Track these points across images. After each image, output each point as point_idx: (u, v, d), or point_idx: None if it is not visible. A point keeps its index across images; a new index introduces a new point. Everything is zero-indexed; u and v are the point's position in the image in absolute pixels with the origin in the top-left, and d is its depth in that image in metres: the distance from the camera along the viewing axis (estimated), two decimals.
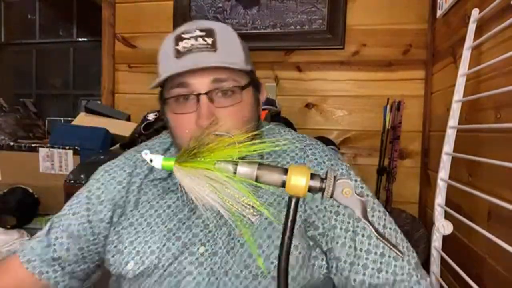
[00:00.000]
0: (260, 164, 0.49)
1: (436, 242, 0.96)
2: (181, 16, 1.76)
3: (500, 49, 0.85)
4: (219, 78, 0.64)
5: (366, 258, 0.64)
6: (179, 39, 0.65)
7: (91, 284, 0.79)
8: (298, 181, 0.47)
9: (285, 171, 0.48)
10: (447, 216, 0.96)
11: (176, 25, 1.77)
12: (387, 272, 0.63)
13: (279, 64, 1.69)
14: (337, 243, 0.66)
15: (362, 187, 0.72)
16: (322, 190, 0.47)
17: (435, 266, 0.96)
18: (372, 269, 0.64)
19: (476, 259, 0.91)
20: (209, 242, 0.66)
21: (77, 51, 2.90)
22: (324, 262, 0.67)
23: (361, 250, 0.65)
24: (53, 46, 2.95)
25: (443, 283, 0.94)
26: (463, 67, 0.94)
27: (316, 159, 0.73)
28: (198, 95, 0.63)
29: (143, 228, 0.69)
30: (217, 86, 0.64)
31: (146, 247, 0.67)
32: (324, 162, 0.72)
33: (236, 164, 0.48)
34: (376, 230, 0.49)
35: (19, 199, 1.50)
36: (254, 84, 0.71)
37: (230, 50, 0.67)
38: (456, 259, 0.90)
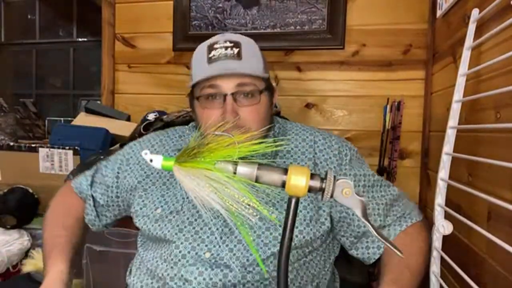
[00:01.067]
0: (260, 164, 0.49)
1: (436, 242, 0.96)
2: (181, 16, 1.76)
3: (500, 49, 0.85)
4: (242, 82, 0.79)
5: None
6: (211, 48, 0.80)
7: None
8: (298, 181, 0.47)
9: (285, 171, 0.48)
10: (447, 216, 0.96)
11: (176, 25, 1.77)
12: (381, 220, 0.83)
13: (279, 64, 1.69)
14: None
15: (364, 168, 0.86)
16: (322, 190, 0.48)
17: (435, 266, 0.96)
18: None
19: (476, 259, 0.91)
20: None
21: (77, 51, 2.90)
22: (327, 225, 0.80)
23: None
24: (53, 46, 2.95)
25: (443, 283, 0.94)
26: (463, 67, 0.93)
27: (326, 142, 0.85)
28: (225, 95, 0.78)
29: (172, 184, 0.86)
30: (240, 89, 0.79)
31: (173, 198, 0.83)
32: (332, 145, 0.85)
33: (236, 164, 0.49)
34: (376, 230, 0.49)
35: (19, 199, 1.50)
36: (270, 88, 0.86)
37: (252, 60, 0.82)
38: (456, 259, 0.90)
